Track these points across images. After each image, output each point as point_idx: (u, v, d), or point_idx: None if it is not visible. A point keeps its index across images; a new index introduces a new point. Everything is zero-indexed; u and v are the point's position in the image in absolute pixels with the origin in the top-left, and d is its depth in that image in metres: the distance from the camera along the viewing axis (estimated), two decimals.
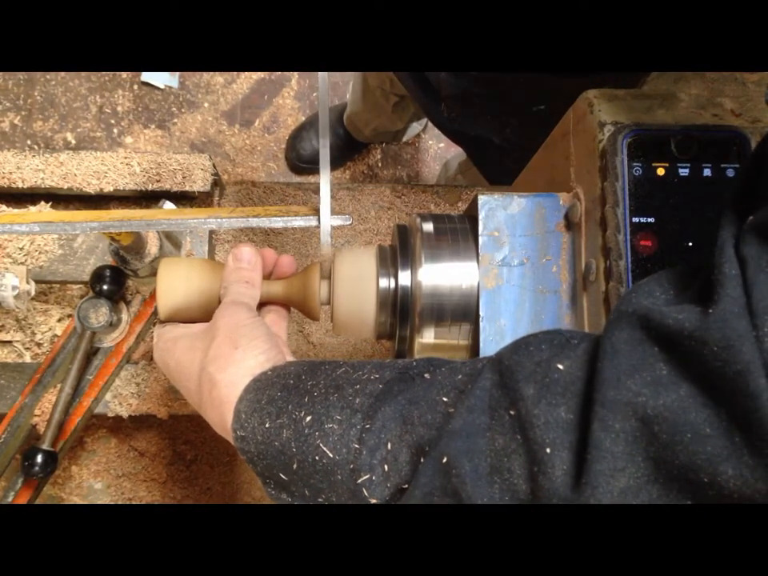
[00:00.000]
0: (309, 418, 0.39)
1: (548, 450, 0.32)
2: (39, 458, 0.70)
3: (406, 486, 0.36)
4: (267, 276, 0.52)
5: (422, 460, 0.36)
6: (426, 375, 0.39)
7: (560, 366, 0.34)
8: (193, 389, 0.46)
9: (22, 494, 0.73)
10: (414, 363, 0.41)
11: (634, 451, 0.31)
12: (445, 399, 0.37)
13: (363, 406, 0.38)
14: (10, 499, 0.73)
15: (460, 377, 0.38)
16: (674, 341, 0.31)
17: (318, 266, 0.50)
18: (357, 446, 0.37)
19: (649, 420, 0.30)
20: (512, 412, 0.34)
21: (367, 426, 0.37)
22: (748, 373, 0.28)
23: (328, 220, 0.49)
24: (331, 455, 0.38)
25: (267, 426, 0.40)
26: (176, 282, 0.49)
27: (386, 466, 0.37)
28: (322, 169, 0.48)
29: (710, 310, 0.30)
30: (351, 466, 0.37)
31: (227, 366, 0.43)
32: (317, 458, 0.38)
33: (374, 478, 0.37)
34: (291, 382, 0.42)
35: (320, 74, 0.47)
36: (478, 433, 0.34)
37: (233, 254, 0.49)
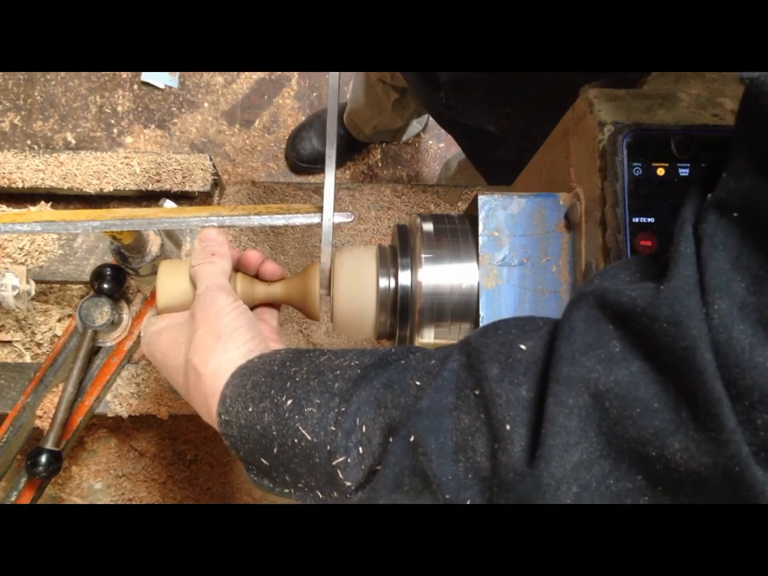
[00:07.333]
0: (290, 402, 0.40)
1: (508, 427, 0.33)
2: (44, 458, 0.70)
3: (379, 467, 0.37)
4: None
5: (390, 440, 0.36)
6: (403, 361, 0.40)
7: (522, 347, 0.35)
8: (180, 381, 0.47)
9: (25, 493, 0.73)
10: (393, 350, 0.42)
11: (587, 426, 0.31)
12: (417, 383, 0.37)
13: (341, 390, 0.39)
14: (12, 499, 0.73)
15: (433, 361, 0.38)
16: (627, 318, 0.31)
17: (318, 266, 0.50)
18: (333, 428, 0.38)
19: (600, 396, 0.31)
20: (477, 392, 0.35)
21: (343, 409, 0.38)
22: (695, 348, 0.28)
23: (330, 217, 0.49)
24: (309, 438, 0.38)
25: (250, 409, 0.41)
26: (176, 285, 0.50)
27: (360, 449, 0.37)
28: (328, 164, 0.48)
29: (662, 287, 0.30)
30: (328, 448, 0.38)
31: (210, 358, 0.44)
32: (296, 440, 0.39)
33: (349, 460, 0.37)
34: (276, 368, 0.42)
35: (331, 74, 0.47)
36: (445, 412, 0.35)
37: (197, 238, 0.50)
